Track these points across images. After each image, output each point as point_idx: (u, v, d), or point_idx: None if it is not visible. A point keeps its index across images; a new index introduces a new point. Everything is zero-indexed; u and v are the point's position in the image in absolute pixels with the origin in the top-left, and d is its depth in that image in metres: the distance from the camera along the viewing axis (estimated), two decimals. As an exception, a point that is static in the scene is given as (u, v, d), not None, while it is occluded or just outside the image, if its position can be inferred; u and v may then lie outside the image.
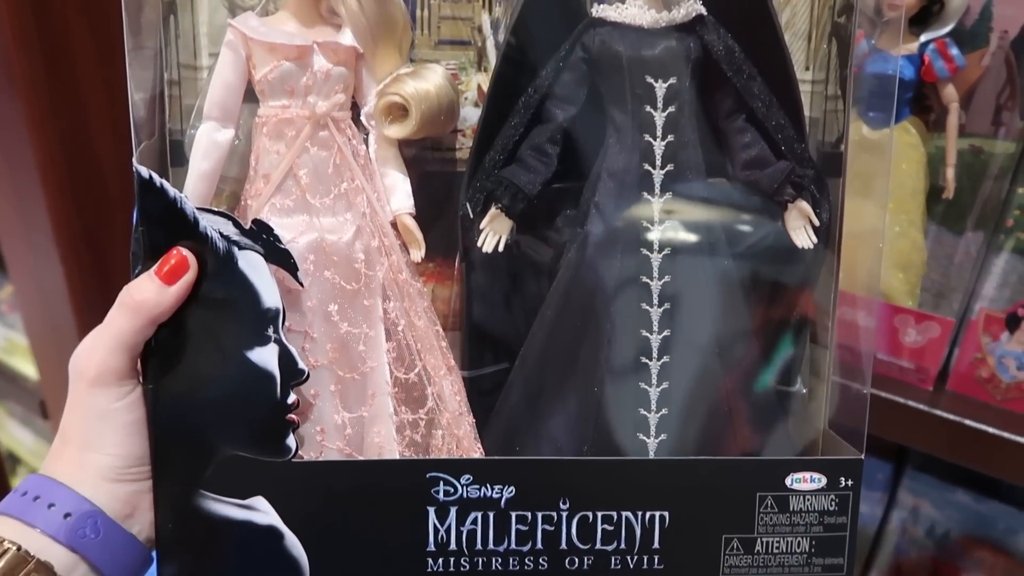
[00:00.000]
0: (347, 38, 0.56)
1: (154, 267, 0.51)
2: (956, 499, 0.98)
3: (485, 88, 0.61)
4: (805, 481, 0.56)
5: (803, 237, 0.57)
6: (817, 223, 0.58)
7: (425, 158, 0.62)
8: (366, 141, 0.59)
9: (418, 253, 0.59)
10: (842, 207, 0.59)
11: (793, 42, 0.64)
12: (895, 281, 0.83)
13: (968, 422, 0.78)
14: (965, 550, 0.97)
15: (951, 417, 0.79)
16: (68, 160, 1.01)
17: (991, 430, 0.77)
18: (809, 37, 0.64)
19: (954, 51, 0.77)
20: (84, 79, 1.00)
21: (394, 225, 0.59)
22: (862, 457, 0.57)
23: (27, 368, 1.43)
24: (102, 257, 1.08)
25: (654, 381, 0.58)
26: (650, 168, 0.56)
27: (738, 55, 0.57)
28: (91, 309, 1.09)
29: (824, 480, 0.56)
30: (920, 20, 0.78)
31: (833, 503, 0.56)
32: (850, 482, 0.56)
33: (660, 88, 0.55)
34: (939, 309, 0.83)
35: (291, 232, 0.56)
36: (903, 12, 0.75)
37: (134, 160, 0.51)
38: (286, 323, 0.54)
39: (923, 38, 0.78)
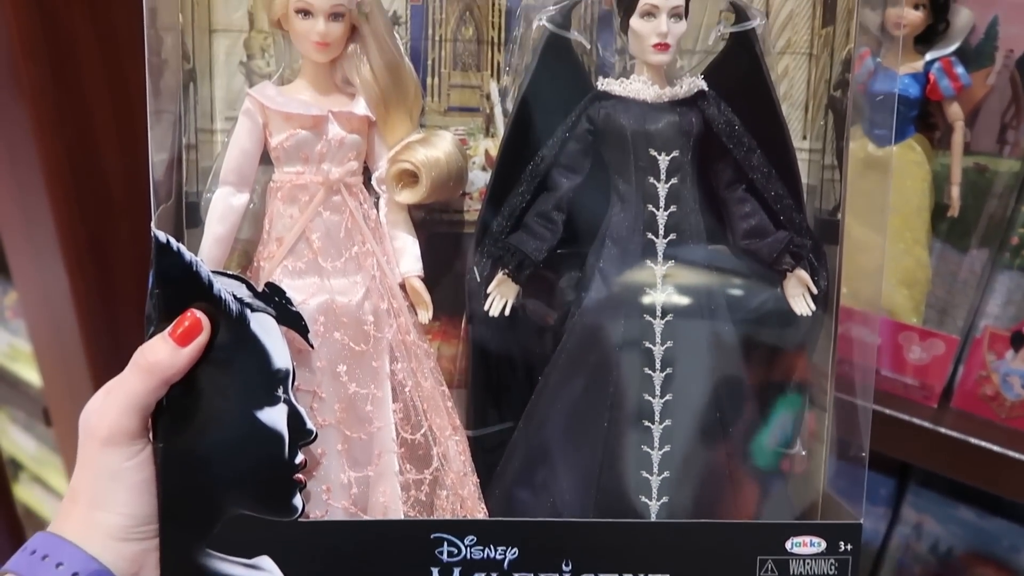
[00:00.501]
0: (361, 107, 0.58)
1: (168, 328, 0.52)
2: (959, 515, 0.97)
3: (493, 153, 0.63)
4: (805, 545, 0.56)
5: (802, 305, 0.59)
6: (815, 291, 0.59)
7: (434, 220, 0.64)
8: (376, 204, 0.61)
9: (426, 315, 0.60)
10: (840, 273, 0.61)
11: (791, 112, 0.66)
12: (900, 298, 0.83)
13: (972, 440, 0.78)
14: (968, 567, 0.96)
15: (955, 435, 0.79)
16: (73, 167, 1.01)
17: (995, 448, 0.77)
18: (806, 108, 0.66)
19: (959, 70, 0.77)
20: (90, 88, 1.00)
21: (403, 287, 0.60)
22: (861, 521, 0.57)
23: (30, 374, 1.43)
24: (106, 264, 1.07)
25: (656, 444, 0.59)
26: (653, 237, 0.58)
27: (738, 128, 0.59)
28: (95, 316, 1.09)
29: (824, 544, 0.56)
30: (926, 39, 0.79)
31: (833, 567, 0.57)
32: (849, 546, 0.57)
33: (663, 161, 0.57)
34: (943, 326, 0.83)
35: (302, 294, 0.57)
36: (902, 31, 0.76)
37: (152, 224, 0.53)
38: (295, 382, 0.55)
39: (928, 56, 0.78)
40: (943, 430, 0.80)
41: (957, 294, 0.82)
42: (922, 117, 0.81)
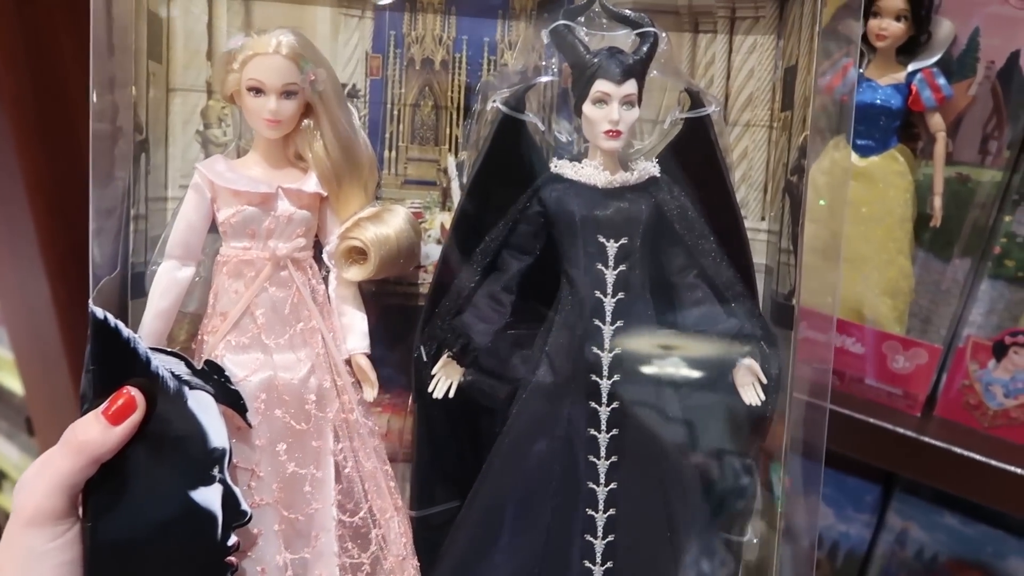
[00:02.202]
0: (311, 184, 0.57)
1: (101, 407, 0.51)
2: (944, 522, 0.97)
3: (448, 227, 0.63)
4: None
5: (751, 395, 0.58)
6: (765, 380, 0.58)
7: (386, 292, 0.64)
8: (326, 279, 0.60)
9: (371, 392, 0.59)
10: (793, 363, 0.60)
11: (749, 193, 0.66)
12: (883, 307, 0.83)
13: (956, 449, 0.78)
14: (953, 573, 0.96)
15: (939, 444, 0.79)
16: (55, 176, 1.00)
17: (978, 457, 0.77)
18: (765, 189, 0.66)
19: (941, 81, 0.77)
20: (72, 96, 0.99)
21: (348, 363, 0.59)
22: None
23: (13, 384, 1.42)
24: (88, 273, 1.08)
25: (599, 533, 0.57)
26: (600, 324, 0.57)
27: (690, 214, 0.58)
28: (77, 325, 1.07)
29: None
30: (908, 50, 0.79)
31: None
32: (796, 645, 0.55)
33: (611, 248, 0.57)
34: (927, 335, 0.83)
35: (245, 369, 0.56)
36: (860, 43, 0.73)
37: (90, 302, 0.52)
38: (233, 459, 0.54)
39: (911, 67, 0.79)
40: (926, 439, 0.80)
41: (940, 303, 0.83)
42: (905, 128, 0.81)
